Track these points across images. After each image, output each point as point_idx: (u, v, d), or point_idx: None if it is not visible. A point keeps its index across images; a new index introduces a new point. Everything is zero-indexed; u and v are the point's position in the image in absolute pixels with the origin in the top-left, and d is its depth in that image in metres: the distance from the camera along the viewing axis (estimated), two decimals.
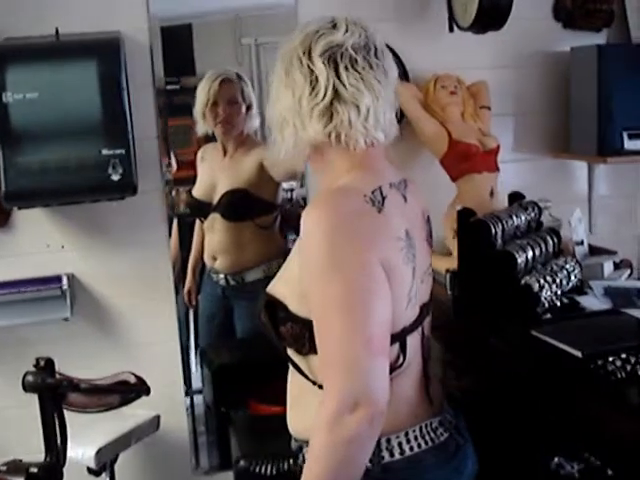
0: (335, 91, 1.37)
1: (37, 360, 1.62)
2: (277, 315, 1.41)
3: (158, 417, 2.63)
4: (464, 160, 2.65)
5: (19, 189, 2.29)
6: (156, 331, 2.74)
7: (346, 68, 1.38)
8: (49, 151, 2.29)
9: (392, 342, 1.34)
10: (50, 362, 1.62)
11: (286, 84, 1.41)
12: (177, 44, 2.90)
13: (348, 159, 1.43)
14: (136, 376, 1.87)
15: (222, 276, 3.01)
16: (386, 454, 1.39)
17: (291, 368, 1.47)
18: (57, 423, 1.66)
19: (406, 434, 1.42)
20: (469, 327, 2.21)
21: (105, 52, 2.33)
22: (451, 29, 2.74)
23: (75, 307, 2.57)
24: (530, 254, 2.18)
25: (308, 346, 1.37)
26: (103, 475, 2.42)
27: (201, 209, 2.98)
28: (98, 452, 2.34)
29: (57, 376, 1.71)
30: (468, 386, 2.30)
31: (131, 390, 1.83)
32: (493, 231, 2.15)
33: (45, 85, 2.26)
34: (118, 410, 2.11)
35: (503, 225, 2.19)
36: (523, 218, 2.30)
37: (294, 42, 1.42)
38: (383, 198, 1.37)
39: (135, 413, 2.51)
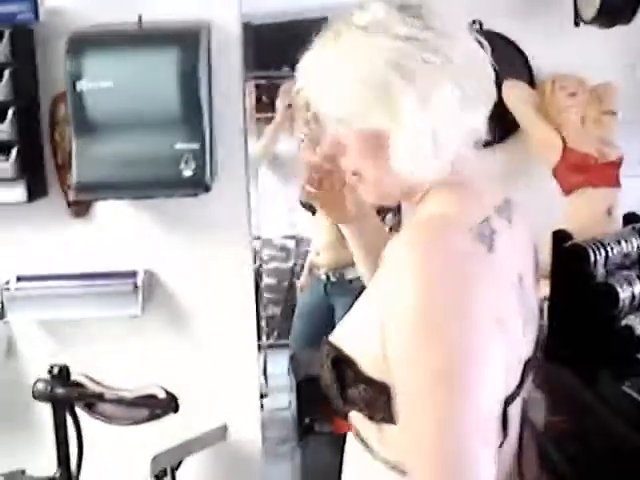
0: None
1: (51, 367, 1.51)
2: (344, 373, 1.09)
3: (225, 427, 2.50)
4: (578, 171, 2.35)
5: (90, 181, 2.22)
6: (232, 331, 2.61)
7: None
8: (122, 143, 2.20)
9: None
10: (64, 370, 1.52)
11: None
12: (279, 39, 2.79)
13: None
14: (166, 391, 1.74)
15: (323, 271, 3.03)
16: None
17: (351, 436, 1.16)
18: (75, 434, 1.56)
19: None
20: (559, 366, 1.92)
21: (185, 43, 2.20)
22: (577, 23, 2.43)
23: (147, 304, 2.49)
24: (638, 289, 1.86)
25: (384, 413, 1.06)
26: None
27: (311, 205, 2.92)
28: (154, 459, 2.24)
29: (87, 382, 1.60)
30: (557, 435, 2.00)
31: (158, 405, 1.70)
32: (592, 259, 1.85)
33: (121, 74, 2.17)
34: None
35: (607, 252, 1.88)
36: (635, 245, 1.97)
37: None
38: (492, 232, 1.06)
39: (201, 419, 2.42)
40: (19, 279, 2.47)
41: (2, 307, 2.44)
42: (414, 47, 1.03)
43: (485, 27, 2.51)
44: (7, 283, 2.46)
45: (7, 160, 2.33)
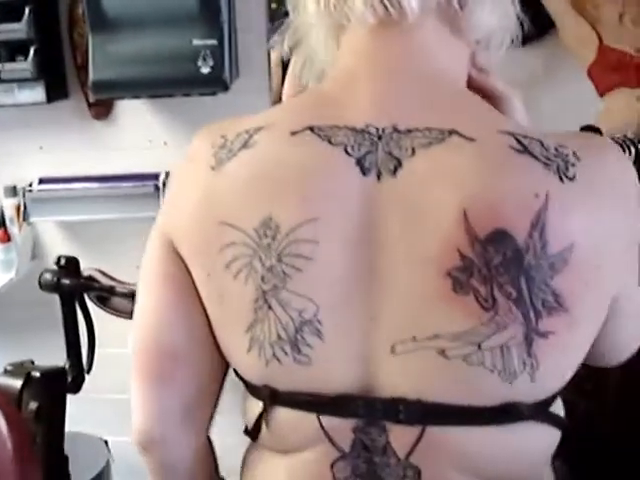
0: None
1: (58, 258, 1.50)
2: None
3: None
4: (615, 70, 2.22)
5: (107, 79, 2.18)
6: None
7: None
8: (139, 39, 2.15)
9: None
10: (72, 261, 1.51)
11: None
12: None
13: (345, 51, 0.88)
14: None
15: None
16: None
17: None
18: (86, 326, 1.57)
19: None
20: None
21: None
22: None
23: None
24: None
25: None
26: None
27: None
28: None
29: (98, 276, 1.60)
30: None
31: None
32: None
33: None
34: None
35: (638, 150, 1.79)
36: None
37: None
38: (244, 144, 0.83)
39: None
40: (41, 181, 2.47)
41: (25, 209, 2.45)
42: None
43: None
44: (30, 185, 2.46)
45: (25, 60, 2.30)
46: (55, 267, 1.51)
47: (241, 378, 0.90)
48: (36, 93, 2.35)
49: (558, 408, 0.88)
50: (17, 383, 1.41)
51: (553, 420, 0.85)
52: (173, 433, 0.92)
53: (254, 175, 0.81)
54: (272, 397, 0.85)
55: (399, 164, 0.78)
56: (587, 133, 0.78)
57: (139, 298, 0.92)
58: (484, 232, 0.74)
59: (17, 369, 1.44)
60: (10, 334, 2.64)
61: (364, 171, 0.78)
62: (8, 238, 2.42)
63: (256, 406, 0.88)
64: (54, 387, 1.45)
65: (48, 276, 1.48)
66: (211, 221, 0.83)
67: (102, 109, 2.46)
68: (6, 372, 1.45)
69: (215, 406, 0.96)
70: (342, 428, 0.83)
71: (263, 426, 0.88)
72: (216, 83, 2.16)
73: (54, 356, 1.60)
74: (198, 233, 0.84)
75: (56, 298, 1.60)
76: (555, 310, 0.76)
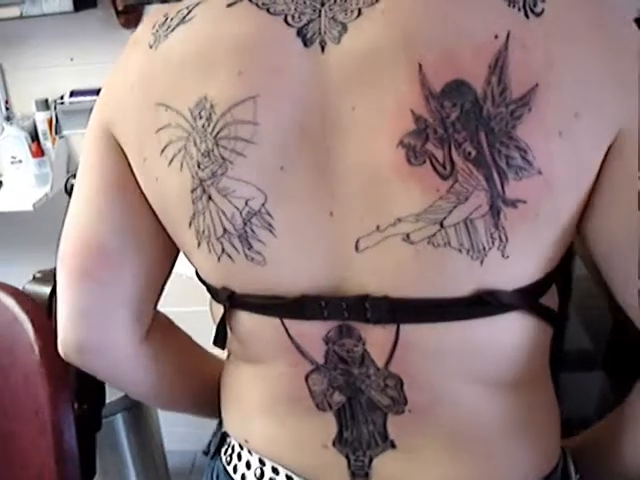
0: None
1: None
2: None
3: None
4: None
5: None
6: None
7: None
8: None
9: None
10: None
11: None
12: None
13: None
14: None
15: None
16: None
17: None
18: None
19: None
20: None
21: None
22: None
23: None
24: None
25: None
26: None
27: None
28: None
29: None
30: None
31: None
32: None
33: None
34: None
35: None
36: None
37: None
38: (181, 20, 0.74)
39: None
40: (73, 94, 2.42)
41: (57, 122, 2.42)
42: None
43: None
44: (61, 98, 2.42)
45: None
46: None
47: (203, 281, 0.84)
48: (63, 2, 2.28)
49: (552, 303, 0.79)
50: (46, 290, 1.39)
51: (541, 312, 0.76)
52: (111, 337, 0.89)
53: (189, 52, 0.72)
54: (230, 300, 0.79)
55: (344, 29, 0.67)
56: None
57: (74, 193, 0.89)
58: (440, 85, 0.65)
59: (46, 276, 1.42)
60: (45, 249, 2.64)
61: (306, 42, 0.68)
62: (42, 152, 2.40)
63: (219, 311, 0.83)
64: None
65: (74, 182, 1.44)
66: (147, 102, 0.75)
67: (131, 17, 2.38)
68: (35, 279, 1.42)
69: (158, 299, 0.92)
70: (311, 336, 0.76)
71: (228, 333, 0.83)
72: None
73: None
74: (134, 115, 0.77)
75: None
76: (524, 171, 0.65)
